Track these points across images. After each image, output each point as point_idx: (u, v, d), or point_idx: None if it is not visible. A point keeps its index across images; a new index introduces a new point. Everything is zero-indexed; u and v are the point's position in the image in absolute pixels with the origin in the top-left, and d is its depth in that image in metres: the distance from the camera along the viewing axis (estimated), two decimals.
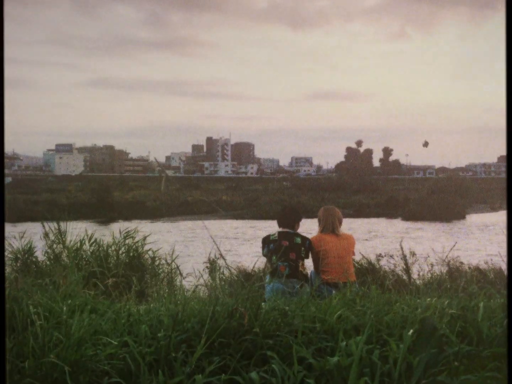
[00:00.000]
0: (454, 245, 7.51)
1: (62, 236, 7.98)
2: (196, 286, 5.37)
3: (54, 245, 7.89)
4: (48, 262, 7.72)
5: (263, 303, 4.16)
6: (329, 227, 7.07)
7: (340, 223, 7.20)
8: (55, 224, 8.03)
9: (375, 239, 37.20)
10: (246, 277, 8.29)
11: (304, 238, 6.96)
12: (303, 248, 6.85)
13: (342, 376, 2.82)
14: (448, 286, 4.84)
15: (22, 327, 3.39)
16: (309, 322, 3.63)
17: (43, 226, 8.05)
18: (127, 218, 55.97)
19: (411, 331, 2.88)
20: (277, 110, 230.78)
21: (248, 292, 3.78)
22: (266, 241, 7.00)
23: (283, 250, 6.65)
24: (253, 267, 7.49)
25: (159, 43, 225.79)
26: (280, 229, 7.10)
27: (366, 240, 35.10)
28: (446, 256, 7.77)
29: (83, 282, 5.82)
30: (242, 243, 34.19)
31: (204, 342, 3.20)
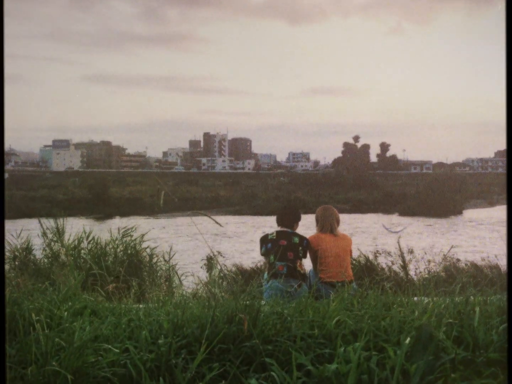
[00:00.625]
0: (452, 247, 7.55)
1: (60, 234, 7.98)
2: (195, 294, 5.38)
3: (52, 243, 7.89)
4: (46, 260, 7.74)
5: (262, 302, 4.19)
6: (328, 227, 7.09)
7: (338, 222, 7.23)
8: (53, 221, 8.03)
9: (358, 234, 37.36)
10: (243, 275, 8.33)
11: (302, 238, 6.98)
12: (300, 248, 6.87)
13: (340, 383, 2.85)
14: (444, 289, 4.86)
15: (23, 332, 3.41)
16: (307, 327, 3.66)
17: (41, 223, 8.05)
18: (124, 214, 56.10)
19: (408, 339, 2.91)
20: (274, 106, 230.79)
21: (248, 296, 3.80)
22: (264, 240, 7.02)
23: (281, 249, 6.67)
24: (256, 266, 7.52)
25: (156, 38, 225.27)
26: (279, 228, 7.12)
27: (352, 235, 35.25)
28: (445, 255, 7.81)
29: (81, 280, 5.85)
30: (224, 239, 34.33)
31: (204, 348, 3.23)
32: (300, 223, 7.27)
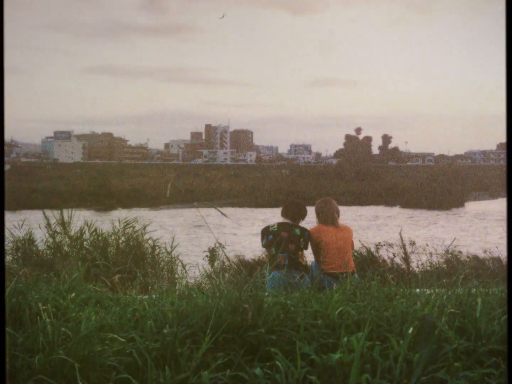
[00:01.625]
0: (454, 240, 7.59)
1: (65, 226, 8.01)
2: (200, 285, 5.42)
3: (55, 234, 7.92)
4: (48, 251, 7.77)
5: (265, 293, 4.23)
6: (329, 219, 7.11)
7: (338, 214, 7.25)
8: (55, 213, 8.06)
9: (359, 226, 37.45)
10: (246, 266, 8.36)
11: (303, 230, 7.01)
12: (302, 239, 6.89)
13: (344, 372, 2.89)
14: (446, 281, 4.91)
15: (30, 322, 3.46)
16: (311, 317, 3.70)
17: (45, 215, 8.08)
18: (126, 206, 56.11)
19: (411, 329, 2.95)
20: (276, 97, 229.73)
21: (252, 287, 3.84)
22: (265, 232, 7.05)
23: (282, 241, 6.70)
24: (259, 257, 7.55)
25: (157, 29, 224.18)
26: (281, 220, 7.14)
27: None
28: (448, 247, 7.85)
29: (84, 271, 5.89)
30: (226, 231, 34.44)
31: (209, 338, 3.27)
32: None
